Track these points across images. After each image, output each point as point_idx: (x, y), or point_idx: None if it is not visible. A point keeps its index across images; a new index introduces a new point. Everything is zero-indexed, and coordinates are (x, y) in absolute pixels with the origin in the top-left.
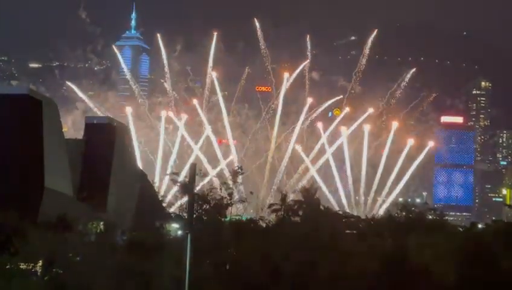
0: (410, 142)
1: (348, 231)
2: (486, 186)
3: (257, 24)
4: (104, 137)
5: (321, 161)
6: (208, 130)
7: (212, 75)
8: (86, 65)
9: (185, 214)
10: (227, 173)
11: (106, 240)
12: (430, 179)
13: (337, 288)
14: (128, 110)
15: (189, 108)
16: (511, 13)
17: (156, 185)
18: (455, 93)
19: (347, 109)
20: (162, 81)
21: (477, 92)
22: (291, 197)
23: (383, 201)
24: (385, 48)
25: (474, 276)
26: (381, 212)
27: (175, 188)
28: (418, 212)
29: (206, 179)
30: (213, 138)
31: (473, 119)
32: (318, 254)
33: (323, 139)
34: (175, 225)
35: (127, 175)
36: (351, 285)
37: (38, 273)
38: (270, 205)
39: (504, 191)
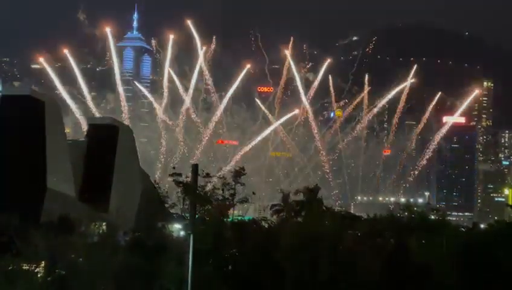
0: (412, 141)
1: (350, 231)
2: (489, 186)
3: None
4: (106, 138)
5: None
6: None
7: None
8: (88, 66)
9: (187, 215)
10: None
11: (108, 241)
12: (432, 180)
13: (339, 288)
14: (130, 110)
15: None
16: None
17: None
18: (457, 94)
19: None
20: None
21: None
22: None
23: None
24: (387, 48)
25: (476, 276)
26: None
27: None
28: (420, 213)
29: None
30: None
31: (475, 119)
32: (320, 254)
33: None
34: (177, 226)
35: (129, 176)
36: (353, 285)
37: (41, 274)
38: (272, 206)
39: (506, 191)
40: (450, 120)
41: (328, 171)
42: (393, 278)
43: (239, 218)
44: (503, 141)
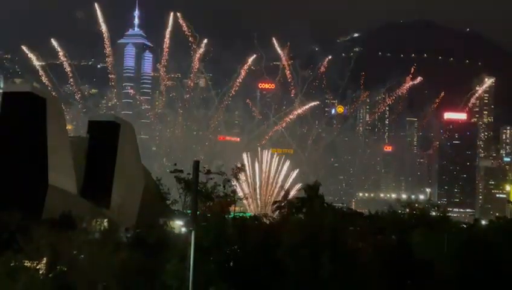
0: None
1: (351, 228)
2: (490, 182)
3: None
4: (107, 134)
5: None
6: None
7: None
8: (90, 63)
9: (188, 211)
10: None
11: (110, 238)
12: (433, 176)
13: (340, 284)
14: (131, 107)
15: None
16: None
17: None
18: (459, 90)
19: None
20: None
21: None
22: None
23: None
24: (388, 44)
25: (477, 272)
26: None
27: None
28: (422, 209)
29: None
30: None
31: (477, 115)
32: (321, 250)
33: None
34: (179, 222)
35: (131, 172)
36: (355, 281)
37: (42, 271)
38: (274, 202)
39: (507, 188)
40: (451, 117)
41: (329, 167)
42: (395, 274)
43: (240, 214)
44: (504, 138)
